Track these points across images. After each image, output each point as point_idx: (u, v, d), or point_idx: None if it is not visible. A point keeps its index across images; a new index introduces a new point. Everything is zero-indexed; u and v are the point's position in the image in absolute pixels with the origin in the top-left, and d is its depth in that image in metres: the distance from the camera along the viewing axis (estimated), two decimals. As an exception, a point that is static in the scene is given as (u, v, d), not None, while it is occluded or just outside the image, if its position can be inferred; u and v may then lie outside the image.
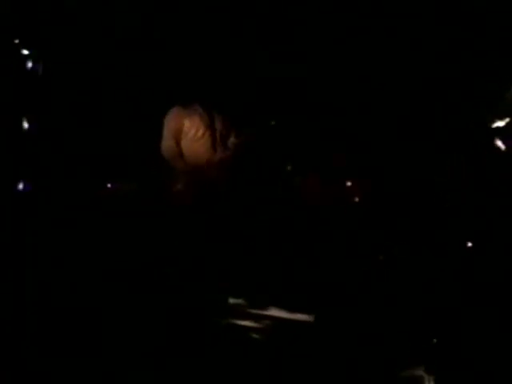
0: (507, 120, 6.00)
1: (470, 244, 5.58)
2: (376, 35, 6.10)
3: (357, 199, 6.22)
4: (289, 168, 6.35)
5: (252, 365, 4.24)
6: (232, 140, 5.33)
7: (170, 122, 5.32)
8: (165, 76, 5.74)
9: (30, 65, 5.52)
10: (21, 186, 5.41)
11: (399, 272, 5.69)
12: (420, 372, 4.22)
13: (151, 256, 5.32)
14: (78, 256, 5.30)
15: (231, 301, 5.31)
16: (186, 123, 5.26)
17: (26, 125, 5.48)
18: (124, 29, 5.88)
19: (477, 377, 4.01)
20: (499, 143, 5.96)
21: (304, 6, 6.05)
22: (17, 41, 5.55)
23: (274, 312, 5.24)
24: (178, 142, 5.30)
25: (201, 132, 5.24)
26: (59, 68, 5.78)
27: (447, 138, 6.01)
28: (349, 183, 6.19)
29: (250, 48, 6.07)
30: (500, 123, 6.03)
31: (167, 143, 5.32)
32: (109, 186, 5.57)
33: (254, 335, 4.85)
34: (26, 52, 5.56)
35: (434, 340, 4.53)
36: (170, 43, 5.89)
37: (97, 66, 5.88)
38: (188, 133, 5.25)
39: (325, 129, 6.28)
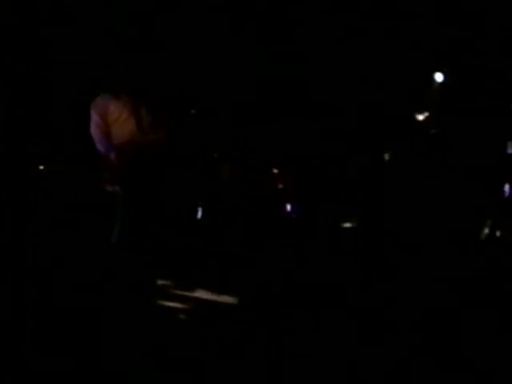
0: (427, 114, 6.29)
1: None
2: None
3: (281, 186, 6.42)
4: (215, 155, 6.52)
5: (178, 345, 4.38)
6: (158, 124, 5.55)
7: (97, 107, 5.57)
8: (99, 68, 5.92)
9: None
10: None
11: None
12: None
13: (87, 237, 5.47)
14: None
15: (159, 282, 5.49)
16: (111, 107, 5.53)
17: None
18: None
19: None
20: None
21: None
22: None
23: (200, 294, 5.45)
24: (105, 125, 5.51)
25: (124, 116, 5.50)
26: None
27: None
28: (275, 171, 6.38)
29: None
30: (420, 117, 6.32)
31: (95, 125, 5.55)
32: (41, 168, 5.65)
33: (181, 316, 5.03)
34: None
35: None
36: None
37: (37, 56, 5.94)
38: (112, 116, 5.51)
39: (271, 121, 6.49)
